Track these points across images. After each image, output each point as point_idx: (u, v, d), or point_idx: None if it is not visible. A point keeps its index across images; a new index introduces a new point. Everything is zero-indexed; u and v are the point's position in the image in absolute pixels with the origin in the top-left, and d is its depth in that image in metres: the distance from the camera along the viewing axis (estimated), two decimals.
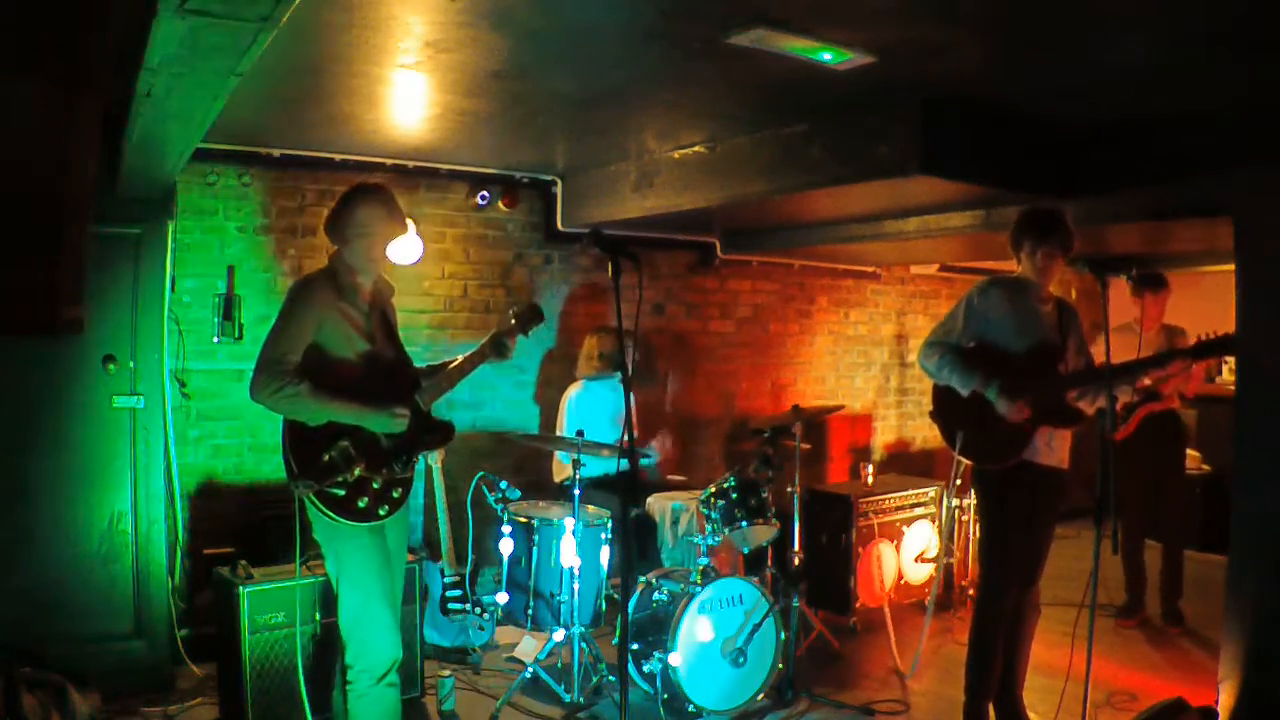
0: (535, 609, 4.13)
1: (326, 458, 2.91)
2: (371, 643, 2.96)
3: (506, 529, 4.24)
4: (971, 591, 5.42)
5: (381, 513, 3.01)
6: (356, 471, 2.94)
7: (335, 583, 3.02)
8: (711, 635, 3.87)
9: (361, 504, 2.96)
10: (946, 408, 3.58)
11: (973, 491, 3.66)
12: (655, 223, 5.39)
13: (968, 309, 3.53)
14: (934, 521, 5.50)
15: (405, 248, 5.01)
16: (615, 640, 3.58)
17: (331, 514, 2.93)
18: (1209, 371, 5.93)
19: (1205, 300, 5.14)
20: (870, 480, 5.49)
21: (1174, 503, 5.19)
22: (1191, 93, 3.42)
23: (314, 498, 2.91)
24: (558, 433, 5.21)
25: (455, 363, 3.25)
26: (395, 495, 3.07)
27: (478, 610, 4.58)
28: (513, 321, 3.28)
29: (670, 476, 5.66)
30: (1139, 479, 5.15)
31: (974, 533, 5.27)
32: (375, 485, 3.00)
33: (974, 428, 3.47)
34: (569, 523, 4.07)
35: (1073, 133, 4.03)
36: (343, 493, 2.93)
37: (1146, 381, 4.31)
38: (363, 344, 3.02)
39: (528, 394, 5.69)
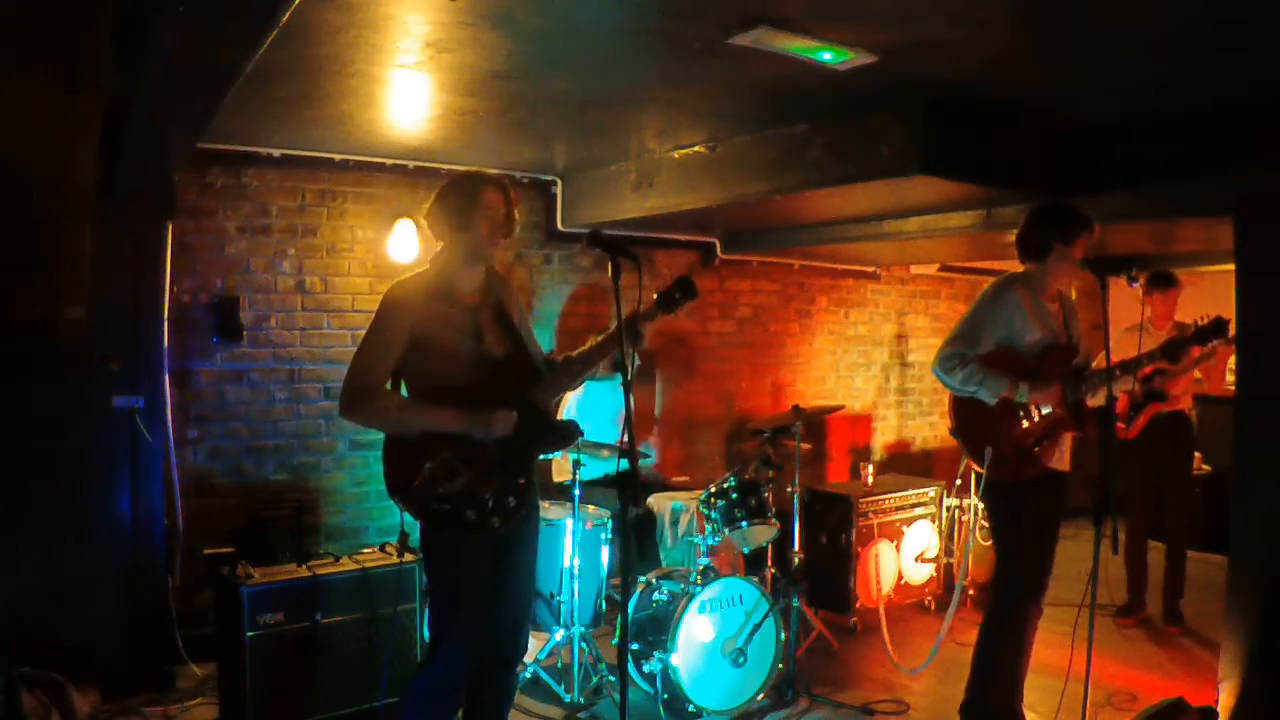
0: (535, 609, 4.13)
1: (426, 471, 2.71)
2: (447, 657, 2.81)
3: None
4: (972, 591, 5.42)
5: (495, 524, 2.78)
6: (460, 483, 2.72)
7: (430, 587, 2.87)
8: (711, 635, 3.87)
9: (470, 516, 2.75)
10: (969, 424, 3.45)
11: (983, 502, 3.58)
12: (655, 223, 5.39)
13: (989, 314, 3.39)
14: (934, 521, 5.50)
15: (404, 246, 5.01)
16: (615, 640, 3.58)
17: (438, 530, 2.75)
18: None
19: (1206, 300, 5.14)
20: (870, 480, 5.49)
21: (1179, 504, 5.18)
22: (1192, 93, 3.42)
23: (417, 514, 2.73)
24: None
25: (580, 351, 2.96)
26: (510, 504, 2.82)
27: None
28: (654, 296, 2.86)
29: (675, 478, 5.66)
30: (1145, 479, 5.16)
31: (974, 533, 5.27)
32: (485, 495, 2.76)
33: (999, 441, 3.38)
34: (569, 523, 4.07)
35: (1074, 133, 4.02)
36: (448, 507, 2.72)
37: (1147, 370, 4.31)
38: (468, 344, 2.82)
39: None
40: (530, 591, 3.04)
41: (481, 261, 2.91)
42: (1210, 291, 5.34)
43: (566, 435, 2.96)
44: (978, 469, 3.46)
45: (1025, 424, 3.38)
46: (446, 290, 2.85)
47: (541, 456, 2.93)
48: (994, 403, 3.34)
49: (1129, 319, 4.63)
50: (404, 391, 2.86)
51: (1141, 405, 5.03)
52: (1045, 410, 3.38)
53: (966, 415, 3.46)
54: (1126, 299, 5.13)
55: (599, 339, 2.94)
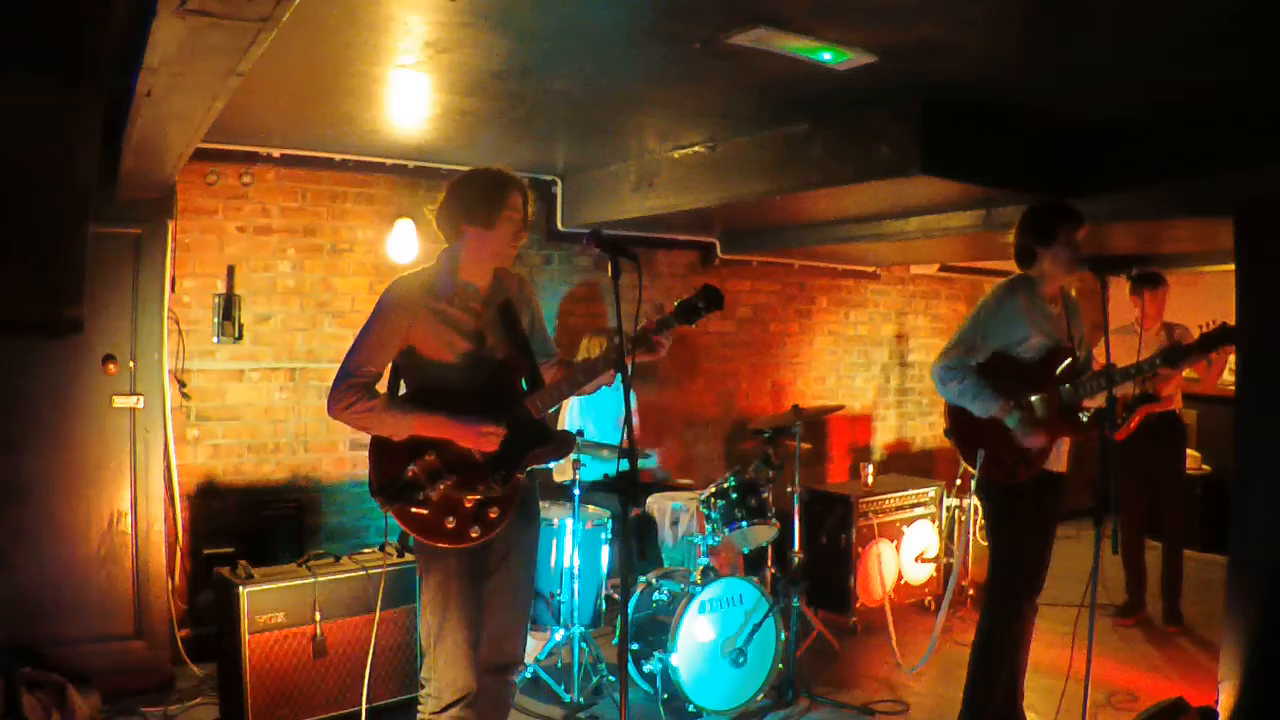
0: (535, 609, 4.13)
1: (409, 472, 2.66)
2: (440, 669, 2.76)
3: None
4: (972, 591, 5.43)
5: (473, 535, 2.69)
6: (441, 488, 2.67)
7: (418, 596, 2.81)
8: (711, 635, 3.87)
9: (449, 525, 2.67)
10: (964, 426, 3.45)
11: (979, 503, 3.56)
12: (655, 223, 5.39)
13: (990, 321, 3.38)
14: (934, 521, 5.51)
15: (404, 246, 5.01)
16: (615, 640, 3.58)
17: (413, 534, 2.70)
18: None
19: (1205, 300, 5.15)
20: (870, 480, 5.49)
21: (1174, 503, 5.21)
22: (1192, 93, 3.42)
23: (395, 516, 2.68)
24: None
25: (583, 362, 2.87)
26: (491, 515, 2.72)
27: None
28: (674, 304, 2.68)
29: (679, 480, 5.66)
30: (1139, 479, 5.16)
31: (974, 533, 5.28)
32: (466, 505, 2.69)
33: (994, 444, 3.37)
34: (569, 523, 4.07)
35: (1074, 132, 4.02)
36: (426, 511, 2.66)
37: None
38: (468, 346, 2.73)
39: None
40: (526, 603, 2.97)
41: (498, 264, 2.84)
42: (1210, 291, 5.35)
43: (562, 446, 2.85)
44: (972, 471, 3.45)
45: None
46: (452, 290, 2.76)
47: (537, 467, 2.84)
48: (985, 417, 3.34)
49: (1118, 320, 4.63)
50: (402, 387, 2.81)
51: (1134, 406, 5.03)
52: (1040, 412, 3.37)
53: (961, 417, 3.45)
54: (1126, 299, 5.15)
55: (605, 350, 2.87)
